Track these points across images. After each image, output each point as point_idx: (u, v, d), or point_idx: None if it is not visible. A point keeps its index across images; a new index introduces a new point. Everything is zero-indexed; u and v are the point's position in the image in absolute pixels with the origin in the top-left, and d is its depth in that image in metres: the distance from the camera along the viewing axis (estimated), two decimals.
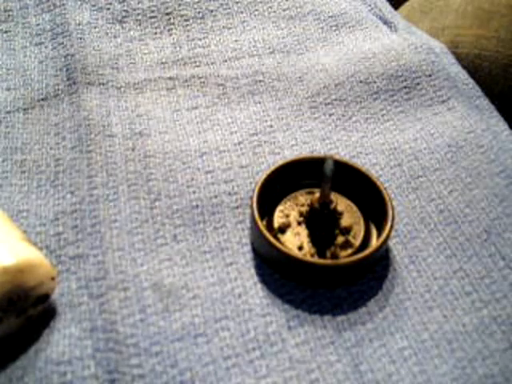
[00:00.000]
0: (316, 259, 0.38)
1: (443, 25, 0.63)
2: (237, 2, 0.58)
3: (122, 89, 0.50)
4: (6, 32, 0.55)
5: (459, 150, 0.46)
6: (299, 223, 0.40)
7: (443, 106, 0.50)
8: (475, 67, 0.57)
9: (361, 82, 0.52)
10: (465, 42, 0.60)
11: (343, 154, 0.46)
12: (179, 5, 0.58)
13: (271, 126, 0.48)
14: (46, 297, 0.35)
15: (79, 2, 0.57)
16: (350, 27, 0.57)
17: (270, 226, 0.40)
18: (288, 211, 0.41)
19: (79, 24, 0.55)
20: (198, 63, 0.53)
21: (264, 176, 0.41)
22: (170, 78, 0.51)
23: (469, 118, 0.49)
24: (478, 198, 0.43)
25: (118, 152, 0.45)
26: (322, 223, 0.40)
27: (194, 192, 0.43)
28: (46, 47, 0.54)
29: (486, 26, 0.61)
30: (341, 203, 0.41)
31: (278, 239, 0.39)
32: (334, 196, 0.39)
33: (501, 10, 0.61)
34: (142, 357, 0.35)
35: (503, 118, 0.50)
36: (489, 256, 0.40)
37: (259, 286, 0.38)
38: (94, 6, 0.57)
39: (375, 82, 0.52)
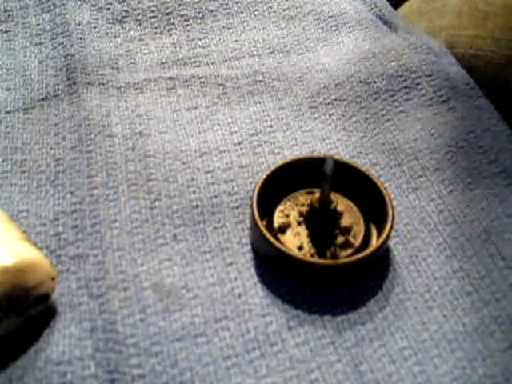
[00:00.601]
0: (316, 259, 0.38)
1: (440, 25, 0.64)
2: (237, 2, 0.58)
3: (122, 89, 0.50)
4: (6, 32, 0.55)
5: (459, 151, 0.46)
6: (299, 223, 0.40)
7: (443, 106, 0.50)
8: (471, 67, 0.57)
9: (361, 82, 0.52)
10: (461, 42, 0.61)
11: (343, 154, 0.46)
12: (179, 5, 0.58)
13: (271, 126, 0.48)
14: (46, 297, 0.35)
15: (79, 2, 0.57)
16: (349, 27, 0.57)
17: (270, 226, 0.40)
18: (288, 211, 0.41)
19: (79, 24, 0.55)
20: (197, 63, 0.53)
21: (264, 176, 0.41)
22: (170, 78, 0.51)
23: (469, 118, 0.49)
24: (478, 198, 0.43)
25: (118, 152, 0.45)
26: (322, 223, 0.40)
27: (194, 192, 0.43)
28: (45, 47, 0.53)
29: (481, 26, 0.61)
30: (341, 203, 0.41)
31: (278, 239, 0.39)
32: (334, 196, 0.39)
33: (496, 11, 0.61)
34: (141, 357, 0.35)
35: (498, 117, 0.50)
36: (489, 256, 0.40)
37: (259, 286, 0.38)
38: (93, 6, 0.57)
39: (375, 82, 0.52)
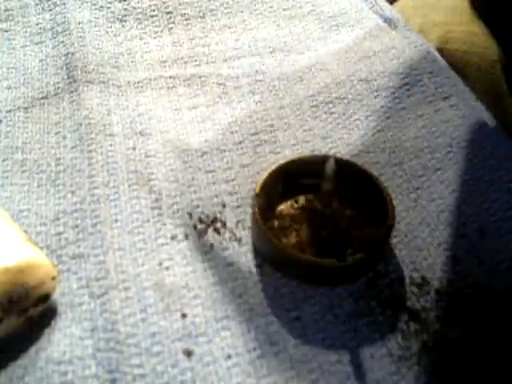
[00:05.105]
0: (317, 258, 0.38)
1: (434, 21, 0.64)
2: (237, 2, 0.58)
3: (123, 87, 0.50)
4: (6, 31, 0.55)
5: (460, 151, 0.46)
6: (300, 222, 0.40)
7: (445, 103, 0.50)
8: (464, 63, 0.57)
9: (361, 80, 0.52)
10: (455, 38, 0.60)
11: (344, 152, 0.46)
12: (180, 4, 0.58)
13: (272, 126, 0.48)
14: (46, 296, 0.35)
15: (79, 1, 0.57)
16: (350, 26, 0.57)
17: (271, 226, 0.40)
18: (289, 210, 0.41)
19: (79, 23, 0.55)
20: (198, 62, 0.53)
21: (265, 175, 0.41)
22: (171, 77, 0.51)
23: (470, 118, 0.48)
24: (479, 199, 0.43)
25: (119, 151, 0.45)
26: (322, 223, 0.40)
27: (195, 192, 0.43)
28: (46, 46, 0.53)
29: (475, 22, 0.61)
30: (341, 202, 0.41)
31: (279, 238, 0.39)
32: (334, 195, 0.39)
33: None
34: (142, 356, 0.35)
35: (491, 114, 0.49)
36: (487, 252, 0.40)
37: (260, 285, 0.38)
38: (94, 4, 0.57)
39: (376, 80, 0.52)
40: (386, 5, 0.61)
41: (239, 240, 0.41)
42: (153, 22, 0.56)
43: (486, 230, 0.42)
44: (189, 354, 0.35)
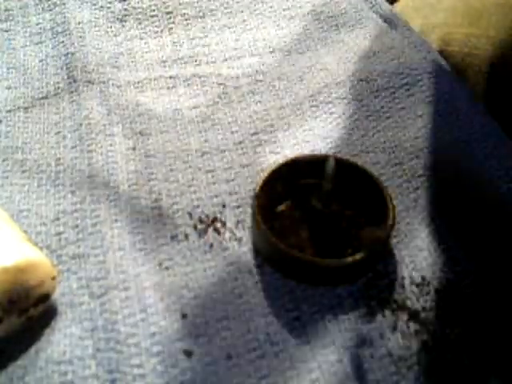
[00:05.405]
0: (317, 258, 0.38)
1: (434, 22, 0.63)
2: (237, 2, 0.58)
3: (123, 87, 0.50)
4: (6, 31, 0.55)
5: (461, 152, 0.46)
6: (300, 222, 0.40)
7: (444, 103, 0.50)
8: (465, 65, 0.57)
9: (361, 80, 0.52)
10: (455, 40, 0.60)
11: (344, 152, 0.46)
12: (180, 4, 0.58)
13: (272, 126, 0.48)
14: (46, 296, 0.35)
15: (79, 1, 0.57)
16: (350, 26, 0.57)
17: (271, 225, 0.40)
18: (289, 210, 0.41)
19: (79, 23, 0.55)
20: (198, 62, 0.53)
21: (265, 175, 0.41)
22: (171, 77, 0.51)
23: (471, 118, 0.48)
24: (479, 200, 0.43)
25: (119, 151, 0.45)
26: (322, 222, 0.40)
27: (195, 192, 0.43)
28: (46, 46, 0.54)
29: (475, 24, 0.61)
30: (341, 202, 0.41)
31: (279, 238, 0.39)
32: (334, 195, 0.39)
33: (490, 9, 0.61)
34: (142, 356, 0.35)
35: (491, 116, 0.49)
36: (487, 252, 0.40)
37: (260, 285, 0.38)
38: (94, 4, 0.57)
39: (376, 80, 0.52)
40: (386, 5, 0.61)
41: (239, 240, 0.41)
42: (153, 22, 0.56)
43: (485, 229, 0.42)
44: (189, 354, 0.35)
